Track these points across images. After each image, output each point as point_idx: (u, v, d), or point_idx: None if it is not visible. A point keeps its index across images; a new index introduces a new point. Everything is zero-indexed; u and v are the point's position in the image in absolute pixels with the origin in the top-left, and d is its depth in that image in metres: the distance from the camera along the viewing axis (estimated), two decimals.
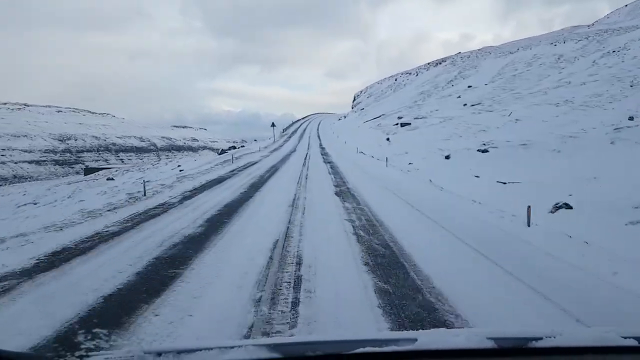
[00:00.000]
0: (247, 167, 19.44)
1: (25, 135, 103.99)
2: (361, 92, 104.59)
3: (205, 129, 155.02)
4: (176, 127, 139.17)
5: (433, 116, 30.87)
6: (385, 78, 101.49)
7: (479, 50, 75.16)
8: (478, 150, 17.58)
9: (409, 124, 28.94)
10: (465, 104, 32.84)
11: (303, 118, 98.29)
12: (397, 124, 31.70)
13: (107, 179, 21.81)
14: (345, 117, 74.88)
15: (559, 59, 42.76)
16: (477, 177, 13.90)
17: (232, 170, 18.05)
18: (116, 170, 34.04)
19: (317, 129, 58.88)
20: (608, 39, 43.38)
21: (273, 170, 18.21)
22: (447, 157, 18.05)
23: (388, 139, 27.02)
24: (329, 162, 20.97)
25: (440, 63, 76.18)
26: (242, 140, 55.66)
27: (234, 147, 41.19)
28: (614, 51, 36.25)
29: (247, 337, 3.29)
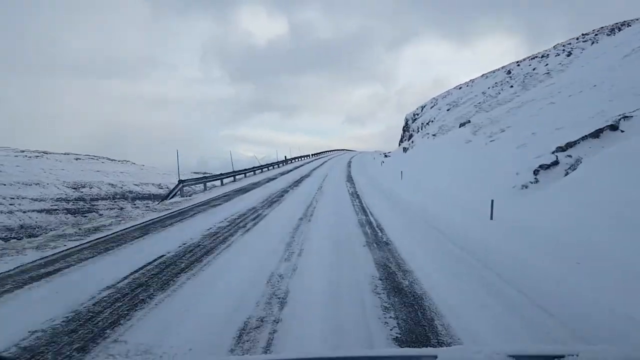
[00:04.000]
0: None
1: (38, 184, 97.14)
2: (423, 107, 63.24)
3: None
4: (196, 173, 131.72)
5: None
6: (476, 78, 58.92)
7: None
8: None
9: None
10: None
11: (314, 154, 62.42)
12: None
13: None
14: (405, 149, 36.08)
15: None
16: None
17: None
18: None
19: (358, 196, 16.16)
20: None
21: None
22: None
23: None
24: None
25: (619, 29, 41.14)
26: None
27: None
28: None
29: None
